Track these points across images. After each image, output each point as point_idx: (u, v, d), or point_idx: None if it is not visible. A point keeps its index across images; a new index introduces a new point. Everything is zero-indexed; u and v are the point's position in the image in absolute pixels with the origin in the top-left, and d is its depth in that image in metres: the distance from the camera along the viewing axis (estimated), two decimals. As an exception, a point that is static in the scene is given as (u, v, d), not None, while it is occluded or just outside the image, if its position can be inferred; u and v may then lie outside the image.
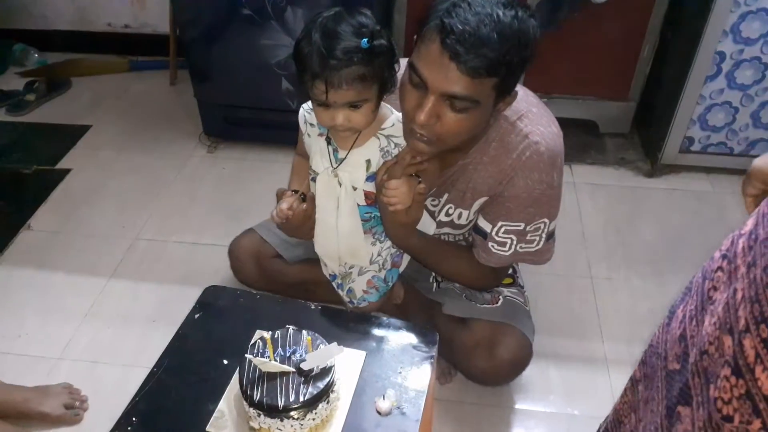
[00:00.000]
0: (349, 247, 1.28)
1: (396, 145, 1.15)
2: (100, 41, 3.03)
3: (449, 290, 1.46)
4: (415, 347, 1.09)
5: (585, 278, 1.86)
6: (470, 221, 1.32)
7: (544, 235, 1.27)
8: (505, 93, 1.05)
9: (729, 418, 0.57)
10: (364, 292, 1.37)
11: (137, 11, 2.96)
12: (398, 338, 1.11)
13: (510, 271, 1.51)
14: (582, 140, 2.36)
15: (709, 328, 0.63)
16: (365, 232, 1.26)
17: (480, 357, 1.37)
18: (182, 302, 1.80)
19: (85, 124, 2.58)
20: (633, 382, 0.91)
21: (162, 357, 1.10)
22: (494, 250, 1.27)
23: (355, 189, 1.18)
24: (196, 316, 1.17)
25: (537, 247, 1.28)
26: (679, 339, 0.73)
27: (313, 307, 1.18)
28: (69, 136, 2.52)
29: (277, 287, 1.61)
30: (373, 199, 1.20)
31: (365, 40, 1.03)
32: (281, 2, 2.02)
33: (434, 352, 1.09)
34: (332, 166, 1.18)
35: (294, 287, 1.58)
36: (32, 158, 2.40)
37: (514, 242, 1.25)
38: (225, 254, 1.67)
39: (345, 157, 1.16)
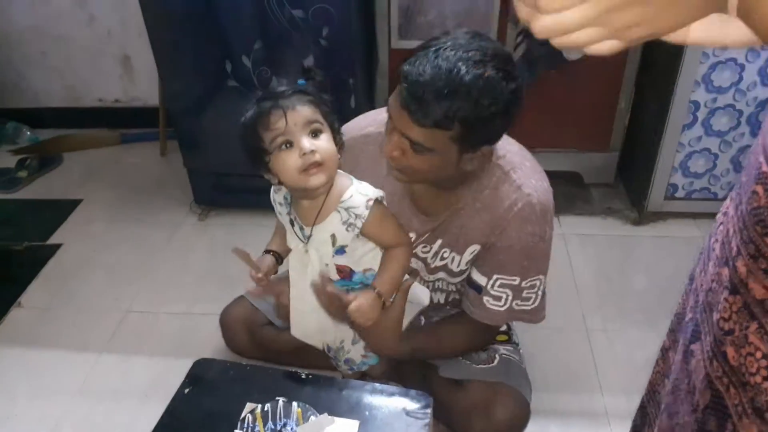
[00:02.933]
0: (318, 324, 1.27)
1: (357, 216, 1.12)
2: (91, 116, 3.09)
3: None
4: (409, 413, 1.08)
5: (580, 331, 1.85)
6: (462, 271, 1.32)
7: (540, 293, 1.28)
8: (468, 145, 1.06)
9: (730, 332, 0.63)
10: (363, 357, 1.36)
11: (127, 85, 3.04)
12: (392, 404, 1.10)
13: (504, 327, 1.50)
14: (568, 191, 2.39)
15: (711, 269, 0.70)
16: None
17: (477, 419, 1.34)
18: (175, 375, 1.77)
19: (77, 198, 2.61)
20: (663, 351, 0.93)
21: (152, 435, 1.08)
22: (489, 306, 1.27)
23: (327, 265, 1.19)
24: (186, 390, 1.16)
25: (533, 306, 1.28)
26: (693, 293, 0.78)
27: (304, 377, 1.17)
28: (60, 210, 2.54)
29: (270, 355, 1.60)
30: (347, 273, 1.20)
31: (302, 80, 1.10)
32: (266, 73, 2.08)
33: (429, 417, 1.07)
34: (302, 241, 1.18)
35: (287, 354, 1.57)
36: (23, 234, 2.41)
37: (510, 298, 1.26)
38: (217, 323, 1.66)
39: (311, 234, 1.15)
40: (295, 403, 0.98)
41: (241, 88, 2.12)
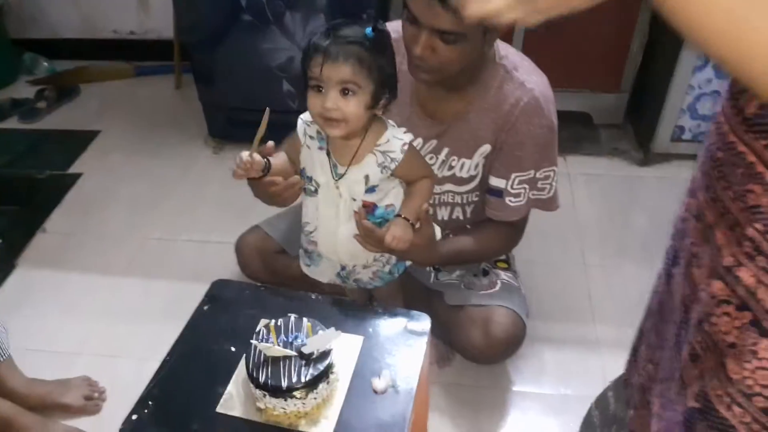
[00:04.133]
0: (348, 251, 1.34)
1: (392, 159, 1.17)
2: (107, 48, 3.12)
3: (448, 281, 1.54)
4: (409, 331, 1.17)
5: (578, 265, 1.93)
6: (471, 177, 1.39)
7: (554, 183, 1.38)
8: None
9: (696, 255, 0.72)
10: (371, 279, 1.44)
11: (142, 18, 3.05)
12: (393, 323, 1.19)
13: (504, 257, 1.58)
14: (576, 132, 2.42)
15: (684, 199, 0.79)
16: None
17: (476, 336, 1.44)
18: (192, 298, 1.88)
19: (95, 129, 2.67)
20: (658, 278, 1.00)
21: (174, 346, 1.18)
22: (511, 204, 1.36)
23: (354, 200, 1.25)
24: (205, 308, 1.25)
25: (549, 195, 1.39)
26: (673, 222, 0.86)
27: (313, 297, 1.26)
28: (79, 141, 2.61)
29: (283, 281, 1.68)
30: (371, 208, 1.26)
31: (369, 28, 1.07)
32: (280, 7, 2.09)
33: (427, 334, 1.16)
34: (333, 178, 1.22)
35: (298, 280, 1.65)
36: (45, 164, 2.49)
37: (527, 191, 1.36)
38: (233, 251, 1.75)
39: (344, 173, 1.20)
40: (305, 319, 1.06)
41: (255, 21, 2.14)
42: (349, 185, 1.22)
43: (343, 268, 1.38)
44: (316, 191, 1.26)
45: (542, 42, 2.29)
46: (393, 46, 1.14)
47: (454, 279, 1.55)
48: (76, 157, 2.52)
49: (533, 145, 1.30)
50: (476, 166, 1.37)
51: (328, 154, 1.22)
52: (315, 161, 1.24)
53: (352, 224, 1.29)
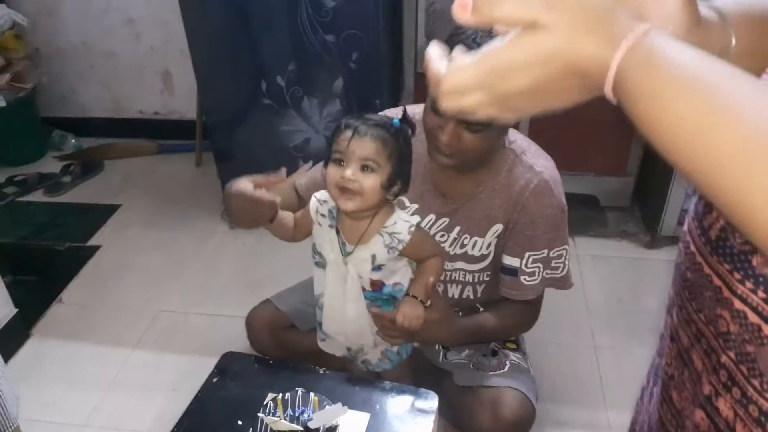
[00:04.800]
0: (354, 329, 1.36)
1: (399, 240, 1.22)
2: (132, 127, 3.27)
3: (457, 360, 1.54)
4: (416, 409, 1.17)
5: (589, 347, 1.92)
6: (483, 256, 1.42)
7: (567, 263, 1.41)
8: None
9: (671, 377, 0.67)
10: (380, 360, 1.45)
11: (167, 99, 3.21)
12: (401, 401, 1.19)
13: (513, 337, 1.59)
14: (584, 214, 2.46)
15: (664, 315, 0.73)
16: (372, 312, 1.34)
17: (484, 418, 1.42)
18: (202, 371, 1.88)
19: (116, 203, 2.76)
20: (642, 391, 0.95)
21: (181, 419, 1.18)
22: (527, 283, 1.39)
23: (361, 278, 1.28)
24: (214, 380, 1.26)
25: (562, 274, 1.42)
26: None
27: (321, 372, 1.27)
28: (100, 214, 2.70)
29: (291, 356, 1.69)
30: (378, 286, 1.29)
31: (397, 120, 1.17)
32: (299, 93, 2.21)
33: (434, 413, 1.16)
34: (342, 255, 1.26)
35: (308, 355, 1.66)
36: (65, 235, 2.57)
37: (541, 270, 1.38)
38: (243, 325, 1.77)
39: (352, 252, 1.24)
40: (312, 394, 1.08)
41: (274, 105, 2.25)
42: (357, 263, 1.25)
43: (348, 348, 1.39)
44: (324, 267, 1.30)
45: (548, 125, 2.37)
46: (412, 145, 1.22)
47: (463, 359, 1.55)
48: (96, 230, 2.59)
49: (545, 225, 1.34)
50: (489, 245, 1.41)
51: (337, 231, 1.27)
52: (325, 238, 1.28)
53: (359, 303, 1.32)
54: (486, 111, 0.47)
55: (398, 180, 1.19)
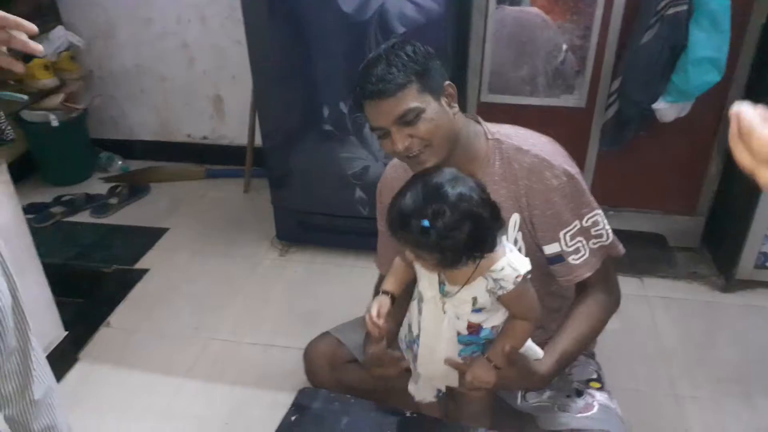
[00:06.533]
0: (444, 372, 1.28)
1: (502, 287, 1.13)
2: (179, 150, 3.25)
3: (538, 403, 1.43)
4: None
5: (669, 396, 1.79)
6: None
7: (607, 227, 1.32)
8: (434, 89, 1.18)
9: None
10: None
11: (216, 124, 3.19)
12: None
13: (595, 375, 1.48)
14: (650, 253, 2.35)
15: None
16: (462, 359, 1.26)
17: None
18: (255, 405, 1.80)
19: (163, 227, 2.71)
20: None
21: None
22: (577, 263, 1.30)
23: (458, 319, 1.20)
24: (293, 418, 1.18)
25: (609, 240, 1.33)
26: None
27: (408, 415, 1.17)
28: (148, 237, 2.65)
29: (349, 392, 1.60)
30: (476, 329, 1.21)
31: (425, 221, 1.05)
32: (361, 120, 2.15)
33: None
34: (440, 294, 1.19)
35: (367, 392, 1.57)
36: (112, 258, 2.51)
37: (585, 243, 1.30)
38: (298, 357, 1.68)
39: (452, 292, 1.16)
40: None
41: (335, 132, 2.20)
42: (456, 304, 1.18)
43: (439, 390, 1.31)
44: (420, 302, 1.22)
45: (615, 161, 2.29)
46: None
47: (545, 401, 1.44)
48: (144, 253, 2.54)
49: (559, 197, 1.27)
50: (516, 241, 1.33)
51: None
52: (423, 274, 1.21)
53: (451, 345, 1.23)
54: None
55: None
